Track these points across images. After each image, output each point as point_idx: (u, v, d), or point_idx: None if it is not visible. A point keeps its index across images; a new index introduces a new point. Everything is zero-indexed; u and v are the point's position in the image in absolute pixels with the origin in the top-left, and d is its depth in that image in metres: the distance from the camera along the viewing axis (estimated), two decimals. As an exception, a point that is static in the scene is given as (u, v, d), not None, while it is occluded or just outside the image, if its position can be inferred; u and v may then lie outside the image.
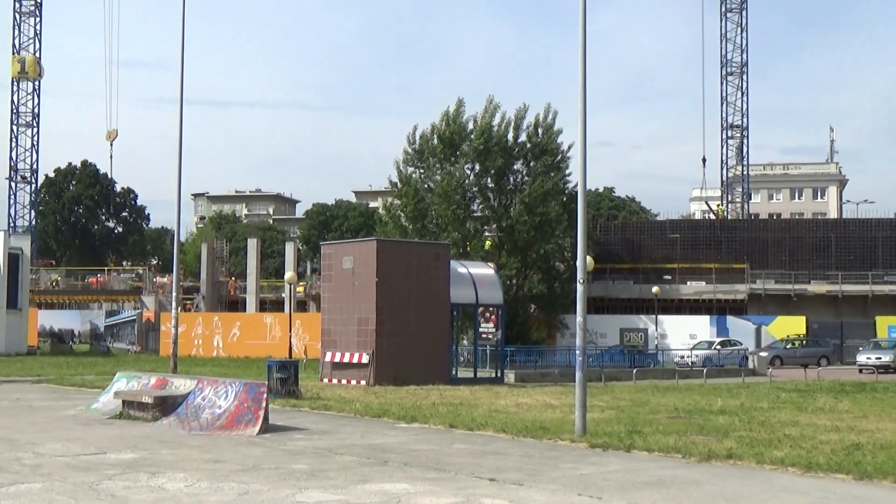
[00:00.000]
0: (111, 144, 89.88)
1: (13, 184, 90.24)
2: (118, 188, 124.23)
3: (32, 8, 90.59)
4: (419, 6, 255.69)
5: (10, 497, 12.53)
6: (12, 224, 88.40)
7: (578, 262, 20.91)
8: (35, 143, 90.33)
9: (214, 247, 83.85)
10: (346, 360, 36.46)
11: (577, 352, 20.54)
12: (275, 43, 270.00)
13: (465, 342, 46.85)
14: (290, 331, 47.87)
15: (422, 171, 60.12)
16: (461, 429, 21.19)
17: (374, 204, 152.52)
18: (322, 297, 38.98)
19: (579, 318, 20.35)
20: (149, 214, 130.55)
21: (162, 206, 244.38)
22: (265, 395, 20.29)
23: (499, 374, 40.07)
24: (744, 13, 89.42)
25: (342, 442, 18.61)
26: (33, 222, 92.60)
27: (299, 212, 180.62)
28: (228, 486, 13.48)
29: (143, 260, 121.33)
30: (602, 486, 13.79)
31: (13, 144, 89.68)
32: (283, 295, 71.94)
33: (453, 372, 38.17)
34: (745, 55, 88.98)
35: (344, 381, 35.83)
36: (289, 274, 53.09)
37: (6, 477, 14.09)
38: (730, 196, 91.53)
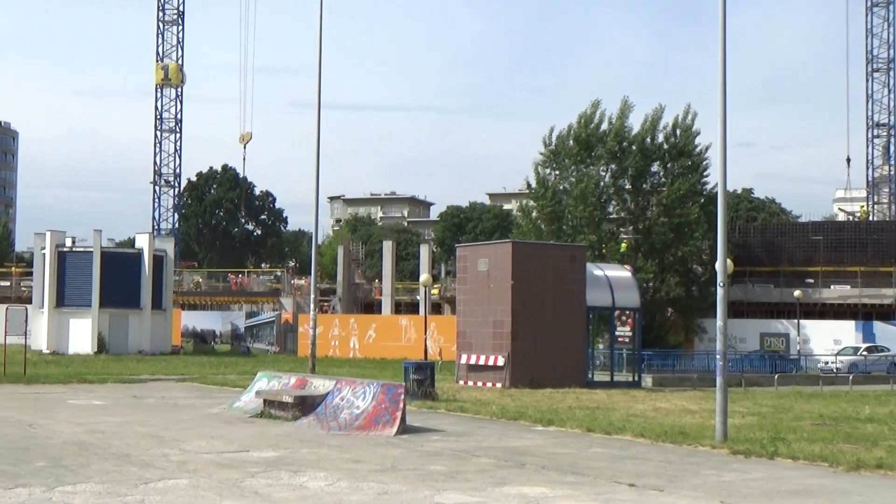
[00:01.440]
0: (244, 147, 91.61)
1: (157, 188, 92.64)
2: (257, 191, 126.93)
3: (175, 17, 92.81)
4: (554, 7, 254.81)
5: (158, 492, 12.81)
6: (156, 227, 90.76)
7: (718, 265, 20.45)
8: (177, 148, 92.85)
9: (350, 249, 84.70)
10: (481, 362, 36.24)
11: (718, 356, 20.09)
12: (409, 46, 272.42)
13: (600, 345, 46.31)
14: (426, 333, 47.85)
15: (557, 172, 59.75)
16: (599, 433, 20.96)
17: (509, 206, 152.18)
18: (457, 300, 38.95)
19: (719, 322, 19.90)
20: (286, 217, 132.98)
21: (299, 208, 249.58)
22: (402, 397, 20.32)
23: (636, 378, 39.52)
24: (891, 7, 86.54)
25: (479, 444, 18.51)
26: (176, 225, 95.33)
27: (433, 214, 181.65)
28: (368, 485, 13.54)
29: (281, 262, 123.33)
30: (745, 494, 13.45)
31: (157, 150, 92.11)
32: (418, 297, 72.07)
33: (589, 375, 37.79)
34: (891, 51, 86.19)
35: (479, 384, 35.66)
36: (424, 276, 53.21)
37: (154, 472, 14.42)
38: (876, 197, 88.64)
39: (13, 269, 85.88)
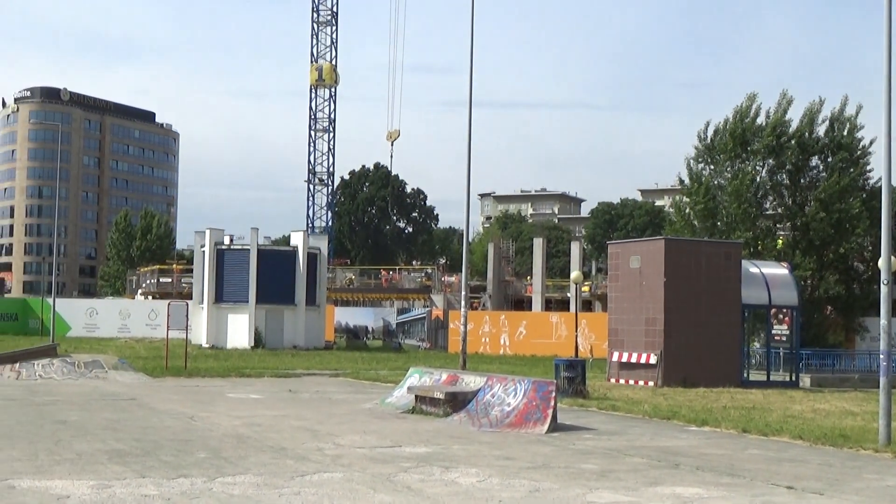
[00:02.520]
0: (392, 145, 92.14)
1: (311, 187, 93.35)
2: (408, 189, 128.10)
3: (329, 17, 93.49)
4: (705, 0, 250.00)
5: (313, 485, 13.01)
6: (311, 225, 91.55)
7: (882, 262, 19.70)
8: (331, 147, 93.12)
9: (501, 246, 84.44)
10: (633, 360, 35.78)
11: (882, 356, 19.41)
12: (560, 42, 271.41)
13: (756, 344, 45.19)
14: (577, 330, 47.36)
15: (712, 167, 58.53)
16: (754, 434, 20.49)
17: (661, 202, 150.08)
18: (608, 297, 38.60)
19: (883, 321, 19.25)
20: (437, 214, 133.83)
21: (449, 205, 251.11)
22: (553, 394, 20.19)
23: (793, 378, 38.37)
24: None
25: (631, 443, 18.34)
26: (330, 223, 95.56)
27: (584, 211, 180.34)
28: (519, 482, 13.49)
29: (432, 259, 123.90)
30: (912, 500, 12.88)
31: (311, 149, 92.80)
32: (568, 294, 71.54)
33: (745, 375, 36.93)
34: None
35: (631, 382, 35.29)
36: (575, 273, 52.69)
37: (310, 465, 14.66)
38: None
39: (174, 266, 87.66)
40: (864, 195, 56.47)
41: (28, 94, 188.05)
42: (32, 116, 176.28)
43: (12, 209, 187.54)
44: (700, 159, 58.13)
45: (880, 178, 43.49)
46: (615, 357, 36.53)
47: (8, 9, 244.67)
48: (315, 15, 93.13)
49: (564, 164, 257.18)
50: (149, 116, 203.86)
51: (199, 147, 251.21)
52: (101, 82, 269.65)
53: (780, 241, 57.07)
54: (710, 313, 35.86)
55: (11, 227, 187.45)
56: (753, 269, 38.75)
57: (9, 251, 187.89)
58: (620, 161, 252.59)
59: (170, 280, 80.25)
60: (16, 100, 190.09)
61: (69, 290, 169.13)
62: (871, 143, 57.25)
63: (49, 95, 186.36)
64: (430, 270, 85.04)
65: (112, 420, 20.18)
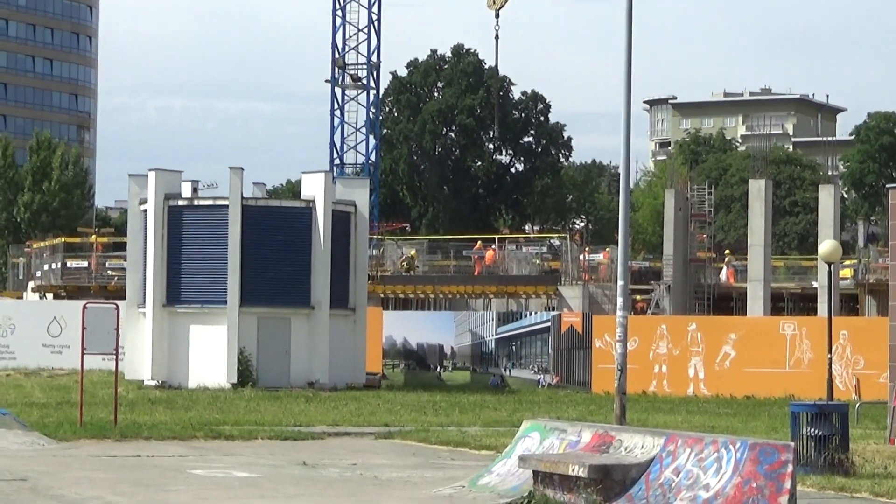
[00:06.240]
0: (497, 15, 69.19)
1: (340, 91, 73.31)
2: (516, 95, 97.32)
3: None
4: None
5: None
6: (339, 162, 71.98)
7: None
8: (375, 19, 71.38)
9: (688, 196, 64.01)
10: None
11: None
12: None
13: None
14: (830, 350, 36.54)
15: None
16: None
17: None
18: (891, 287, 28.77)
19: None
20: (571, 141, 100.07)
21: (589, 124, 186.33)
22: (790, 468, 16.26)
23: None
24: None
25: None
26: (374, 158, 75.34)
27: (842, 129, 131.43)
28: None
29: (562, 221, 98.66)
30: None
31: (338, 23, 71.85)
32: (815, 283, 55.68)
33: None
34: None
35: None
36: (825, 245, 38.70)
37: None
38: None
39: (93, 238, 69.92)
40: None
41: None
42: None
43: None
44: None
45: None
46: (906, 399, 30.24)
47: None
48: None
49: (806, 46, 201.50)
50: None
51: (135, 21, 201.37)
52: None
53: None
54: None
55: None
56: None
57: None
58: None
59: (86, 264, 62.90)
60: None
61: None
62: None
63: None
64: (556, 242, 67.05)
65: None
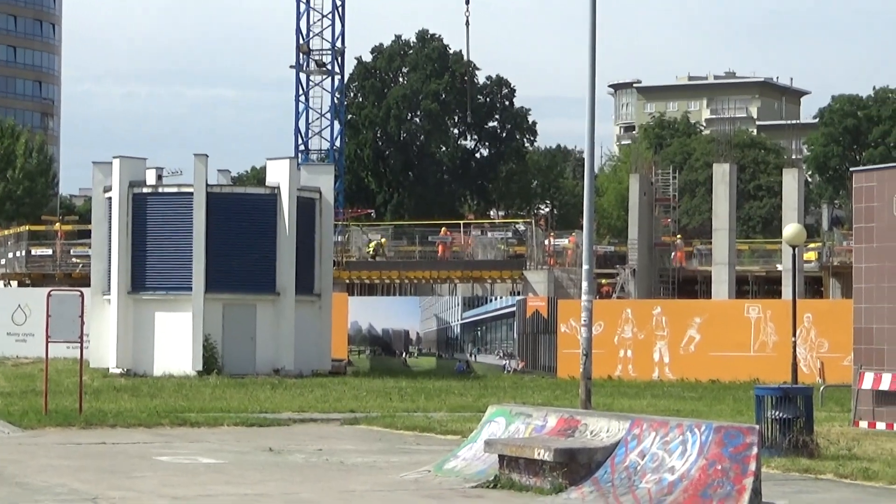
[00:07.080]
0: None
1: (304, 76, 73.82)
2: (481, 79, 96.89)
3: None
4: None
5: None
6: (303, 148, 72.34)
7: None
8: (339, 3, 72.89)
9: (653, 180, 65.29)
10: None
11: None
12: None
13: None
14: (794, 333, 36.29)
15: None
16: None
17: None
18: (855, 270, 29.34)
19: None
20: (535, 125, 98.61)
21: (556, 109, 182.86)
22: (755, 451, 16.41)
23: None
24: None
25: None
26: (338, 144, 75.37)
27: (806, 112, 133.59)
28: None
29: (527, 206, 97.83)
30: None
31: (303, 8, 73.13)
32: (779, 266, 56.44)
33: None
34: None
35: (899, 428, 28.77)
36: (790, 228, 38.64)
37: None
38: None
39: (57, 226, 70.60)
40: None
41: None
42: None
43: None
44: None
45: None
46: (868, 382, 28.44)
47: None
48: None
49: (770, 29, 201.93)
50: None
51: (100, 8, 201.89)
52: None
53: None
54: None
55: None
56: None
57: None
58: (872, 22, 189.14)
59: (50, 252, 64.10)
60: None
61: None
62: None
63: None
64: (521, 227, 67.91)
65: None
